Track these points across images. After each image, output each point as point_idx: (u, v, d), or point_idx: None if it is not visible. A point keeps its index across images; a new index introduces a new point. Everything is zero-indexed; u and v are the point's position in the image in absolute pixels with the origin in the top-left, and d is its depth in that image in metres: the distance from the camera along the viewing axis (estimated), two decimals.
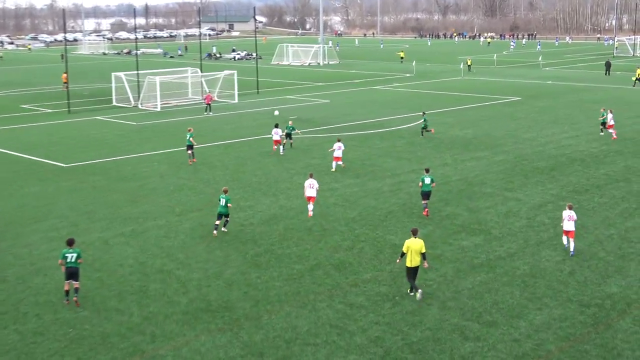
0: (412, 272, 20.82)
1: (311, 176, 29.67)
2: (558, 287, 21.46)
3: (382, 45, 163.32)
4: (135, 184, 35.41)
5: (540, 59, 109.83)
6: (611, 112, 46.72)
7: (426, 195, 28.87)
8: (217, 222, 26.73)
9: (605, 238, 26.02)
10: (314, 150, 42.73)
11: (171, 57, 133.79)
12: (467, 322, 19.27)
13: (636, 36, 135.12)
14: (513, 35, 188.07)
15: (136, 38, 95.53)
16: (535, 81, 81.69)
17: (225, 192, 26.71)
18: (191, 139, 39.41)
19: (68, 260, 20.77)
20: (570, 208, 24.64)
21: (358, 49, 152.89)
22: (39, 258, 24.71)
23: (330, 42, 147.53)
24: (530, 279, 22.13)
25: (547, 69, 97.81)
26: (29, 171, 38.83)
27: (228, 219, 26.90)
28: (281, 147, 41.87)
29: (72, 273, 20.78)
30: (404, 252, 20.69)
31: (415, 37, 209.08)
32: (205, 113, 59.54)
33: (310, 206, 29.18)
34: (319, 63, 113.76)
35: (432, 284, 21.87)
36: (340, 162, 37.39)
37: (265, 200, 31.45)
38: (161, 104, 63.57)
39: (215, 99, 67.62)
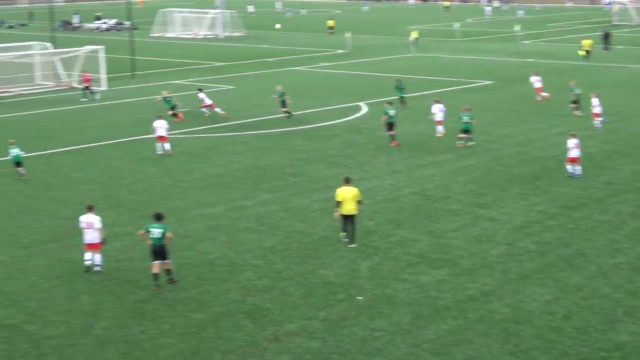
0: (349, 220, 28.42)
1: (160, 117, 43.29)
2: (550, 336, 21.96)
3: (304, 11, 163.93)
4: None
5: (517, 29, 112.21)
6: (597, 96, 48.37)
7: (390, 126, 44.13)
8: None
9: (610, 269, 26.76)
10: (213, 155, 42.70)
11: (10, 27, 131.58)
12: None
13: None
14: None
15: None
16: (512, 59, 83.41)
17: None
18: (17, 151, 39.25)
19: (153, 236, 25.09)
20: (574, 136, 37.65)
21: (271, 16, 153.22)
22: None
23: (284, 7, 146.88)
24: (513, 326, 22.58)
25: (526, 42, 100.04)
26: None
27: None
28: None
29: (157, 251, 25.07)
30: (339, 201, 28.29)
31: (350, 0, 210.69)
32: (84, 99, 60.67)
33: (166, 146, 42.50)
34: (217, 35, 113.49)
35: (382, 335, 22.10)
36: (440, 127, 46.30)
37: None
38: None
39: (75, 85, 66.79)
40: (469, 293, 24.87)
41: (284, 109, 52.20)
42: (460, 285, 25.44)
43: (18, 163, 39.17)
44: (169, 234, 25.52)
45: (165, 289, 25.28)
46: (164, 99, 51.87)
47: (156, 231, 25.34)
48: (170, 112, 50.09)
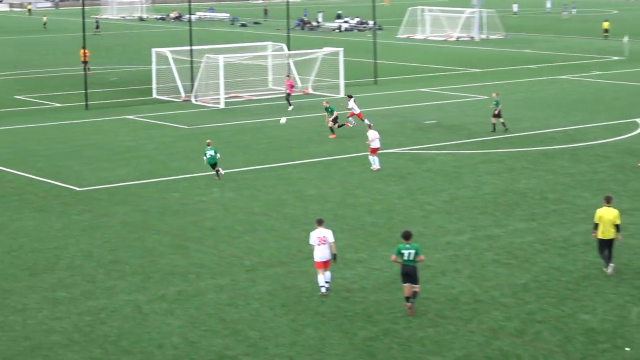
0: (605, 244, 28.68)
1: (370, 127, 44.75)
2: None
3: (574, 11, 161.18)
4: (185, 220, 36.12)
5: None
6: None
7: None
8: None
9: None
10: (462, 175, 42.61)
11: (242, 25, 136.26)
12: None
13: None
14: None
15: None
16: None
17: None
18: (213, 153, 41.81)
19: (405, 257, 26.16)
20: None
21: (538, 16, 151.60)
22: (36, 330, 25.44)
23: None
24: None
25: None
26: (24, 197, 40.17)
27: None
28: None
29: (408, 273, 26.13)
30: (597, 222, 28.72)
31: None
32: (290, 108, 62.12)
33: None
34: (472, 38, 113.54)
35: None
36: None
37: (385, 252, 31.48)
38: (227, 98, 64.83)
39: (310, 91, 68.19)
40: None
41: (498, 119, 52.37)
42: None
43: (214, 165, 41.73)
44: (421, 257, 26.38)
45: (401, 326, 25.39)
46: (326, 108, 53.02)
47: (408, 252, 26.17)
48: (330, 123, 51.87)
